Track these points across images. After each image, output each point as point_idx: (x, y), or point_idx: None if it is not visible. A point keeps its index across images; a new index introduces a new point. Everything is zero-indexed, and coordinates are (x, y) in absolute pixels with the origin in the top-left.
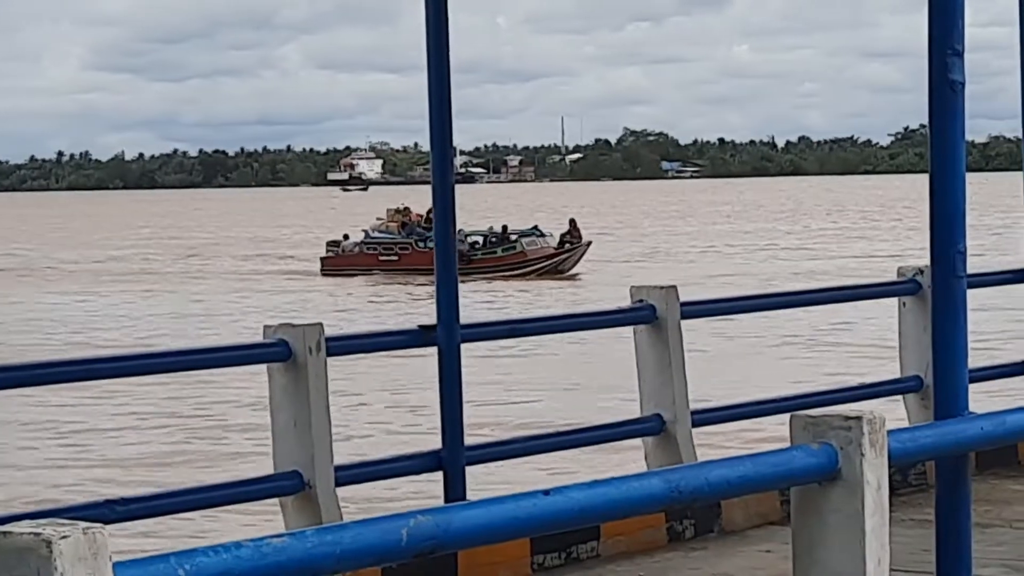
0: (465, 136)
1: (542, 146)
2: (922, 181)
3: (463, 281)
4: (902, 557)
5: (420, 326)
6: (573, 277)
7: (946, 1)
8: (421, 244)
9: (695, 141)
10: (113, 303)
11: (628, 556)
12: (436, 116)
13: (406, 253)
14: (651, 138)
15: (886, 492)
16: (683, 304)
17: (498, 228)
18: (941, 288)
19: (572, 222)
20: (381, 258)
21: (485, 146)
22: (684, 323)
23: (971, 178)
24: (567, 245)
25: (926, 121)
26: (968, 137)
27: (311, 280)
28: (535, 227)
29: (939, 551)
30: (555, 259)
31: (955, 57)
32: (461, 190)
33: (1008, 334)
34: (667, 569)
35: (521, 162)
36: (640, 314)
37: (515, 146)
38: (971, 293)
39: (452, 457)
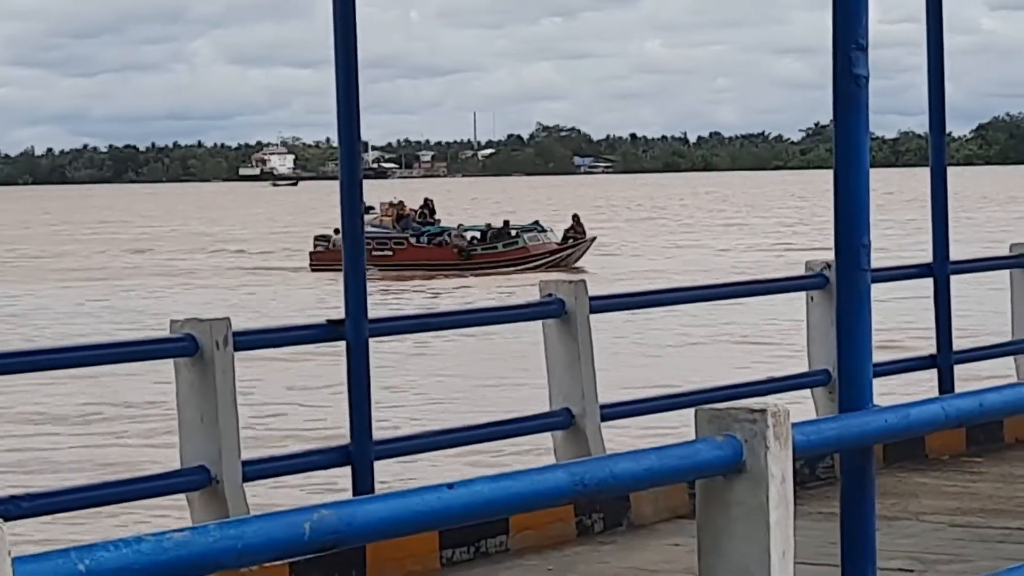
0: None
1: (455, 141)
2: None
3: (463, 276)
4: (809, 550)
5: (328, 320)
6: (578, 271)
7: None
8: (418, 239)
9: (607, 137)
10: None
11: (537, 550)
12: (344, 111)
13: (401, 248)
14: (564, 133)
15: (791, 484)
16: (592, 298)
17: (497, 223)
18: (845, 281)
19: (575, 217)
20: (375, 253)
21: (398, 141)
22: (596, 317)
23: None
24: (571, 240)
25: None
26: (878, 133)
27: (302, 276)
28: (536, 222)
29: (844, 544)
30: (558, 254)
31: (859, 51)
32: (378, 185)
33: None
34: (576, 563)
35: (433, 157)
36: (549, 308)
37: (428, 141)
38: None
39: (360, 451)
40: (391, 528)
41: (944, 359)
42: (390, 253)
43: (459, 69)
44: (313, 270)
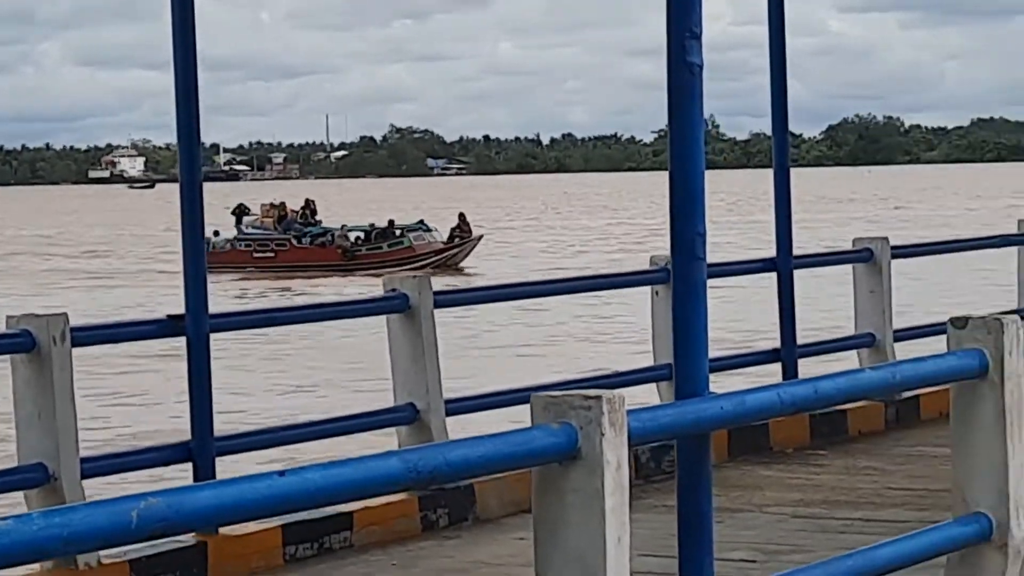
0: (229, 133)
1: (307, 143)
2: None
3: (347, 276)
4: (651, 542)
5: (168, 316)
6: (463, 271)
7: None
8: (300, 240)
9: (461, 138)
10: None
11: (381, 545)
12: (183, 112)
13: (283, 249)
14: (417, 135)
15: (626, 471)
16: (436, 293)
17: (381, 223)
18: (681, 269)
19: (461, 216)
20: (256, 255)
21: (250, 143)
22: (443, 312)
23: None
24: (457, 239)
25: None
26: (729, 134)
27: (179, 278)
28: (421, 221)
29: (681, 531)
30: (445, 254)
31: (693, 39)
32: (229, 187)
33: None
34: (420, 558)
35: (286, 159)
36: (393, 303)
37: (280, 143)
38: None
39: (201, 448)
40: (220, 515)
41: (788, 353)
42: (272, 254)
43: (311, 71)
44: None
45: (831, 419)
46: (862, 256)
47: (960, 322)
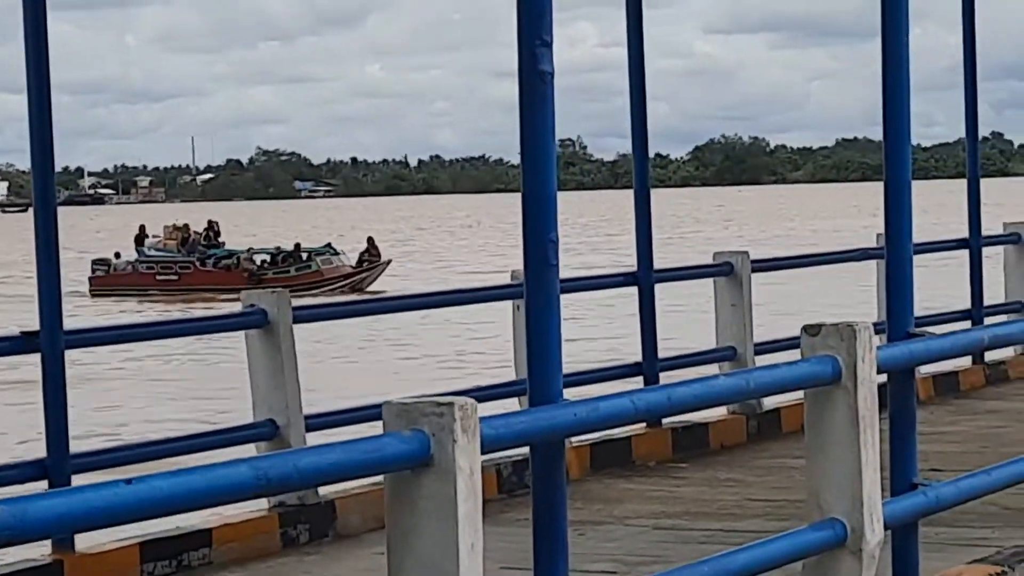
0: (93, 157)
1: (173, 167)
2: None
3: None
4: (512, 556)
5: (22, 332)
6: (373, 294)
7: None
8: (204, 262)
9: (328, 161)
10: None
11: (240, 562)
12: (37, 135)
13: (187, 272)
14: (284, 158)
15: (479, 478)
16: (295, 308)
17: (288, 246)
18: (534, 276)
19: (370, 240)
20: (159, 277)
21: (115, 167)
22: (318, 328)
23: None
24: (366, 263)
25: (557, 140)
26: (597, 155)
27: (80, 300)
28: (328, 244)
29: (536, 540)
30: (353, 278)
31: (544, 48)
32: (94, 211)
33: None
34: (279, 574)
35: (151, 183)
36: (251, 319)
37: (145, 167)
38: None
39: (56, 465)
40: (66, 524)
41: (649, 367)
42: (175, 277)
43: (177, 94)
44: (94, 295)
45: (693, 433)
46: (723, 270)
47: (813, 329)
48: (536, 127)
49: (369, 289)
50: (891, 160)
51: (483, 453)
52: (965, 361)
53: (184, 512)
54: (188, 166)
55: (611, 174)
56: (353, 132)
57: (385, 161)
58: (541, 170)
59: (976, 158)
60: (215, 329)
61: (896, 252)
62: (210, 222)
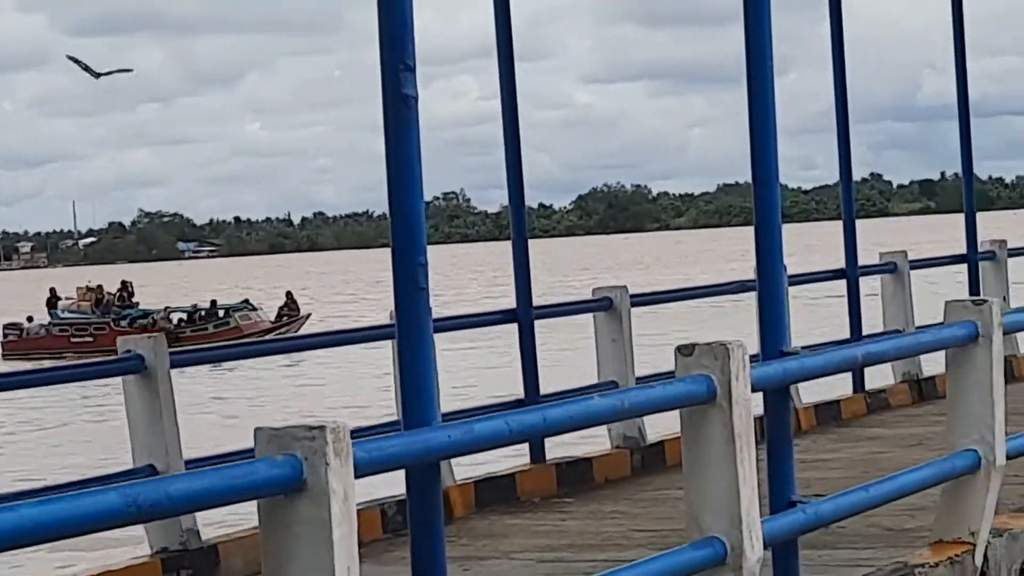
0: None
1: (55, 231)
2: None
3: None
4: None
5: None
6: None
7: (396, 17)
8: (119, 322)
9: (211, 221)
10: None
11: None
12: None
13: (103, 333)
14: (166, 219)
15: (353, 501)
16: (173, 353)
17: (205, 304)
18: (405, 301)
19: (289, 294)
20: (74, 339)
21: None
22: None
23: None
24: (285, 317)
25: (440, 193)
26: (480, 207)
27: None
28: (246, 300)
29: (414, 564)
30: (276, 331)
31: (407, 72)
32: None
33: None
34: None
35: (33, 248)
36: (128, 364)
37: (27, 232)
38: None
39: None
40: None
41: (531, 402)
42: (91, 339)
43: (57, 158)
44: (6, 358)
45: (577, 468)
46: (602, 304)
47: (687, 349)
48: (401, 151)
49: None
50: (759, 181)
51: (357, 477)
52: (847, 390)
53: (53, 540)
54: (70, 230)
55: (495, 225)
56: (235, 191)
57: (268, 219)
58: (408, 193)
59: (851, 192)
60: (92, 376)
61: (768, 275)
62: (123, 283)
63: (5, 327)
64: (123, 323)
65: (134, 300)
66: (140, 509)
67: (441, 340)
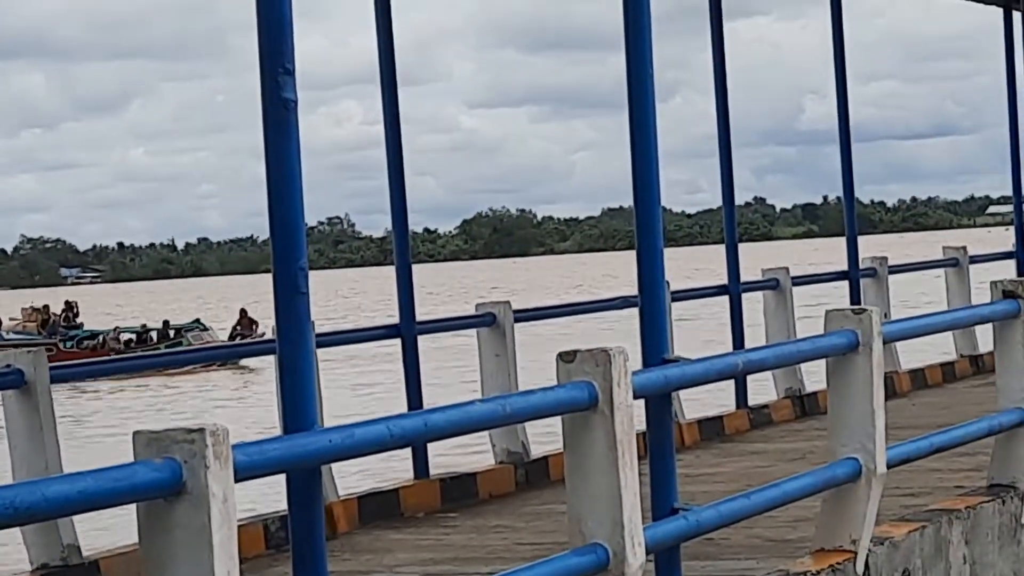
0: None
1: None
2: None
3: (122, 379)
4: None
5: None
6: (248, 369)
7: (275, 20)
8: (66, 344)
9: (94, 246)
10: None
11: None
12: None
13: (50, 354)
14: (48, 245)
15: (233, 505)
16: (52, 368)
17: (153, 324)
18: (285, 304)
19: (243, 312)
20: None
21: None
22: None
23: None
24: (238, 337)
25: (325, 218)
26: (365, 232)
27: None
28: (197, 320)
29: (296, 569)
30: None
31: (286, 76)
32: None
33: None
34: None
35: None
36: (6, 379)
37: None
38: None
39: None
40: None
41: None
42: None
43: None
44: None
45: (461, 483)
46: (485, 320)
47: (568, 356)
48: (281, 155)
49: (243, 363)
50: (640, 196)
51: (237, 480)
52: (730, 406)
53: None
54: None
55: (380, 250)
56: (118, 217)
57: (152, 245)
58: (288, 199)
59: (733, 214)
60: None
61: (649, 286)
62: (68, 303)
63: None
64: (70, 344)
65: (79, 321)
66: (17, 511)
67: (326, 357)
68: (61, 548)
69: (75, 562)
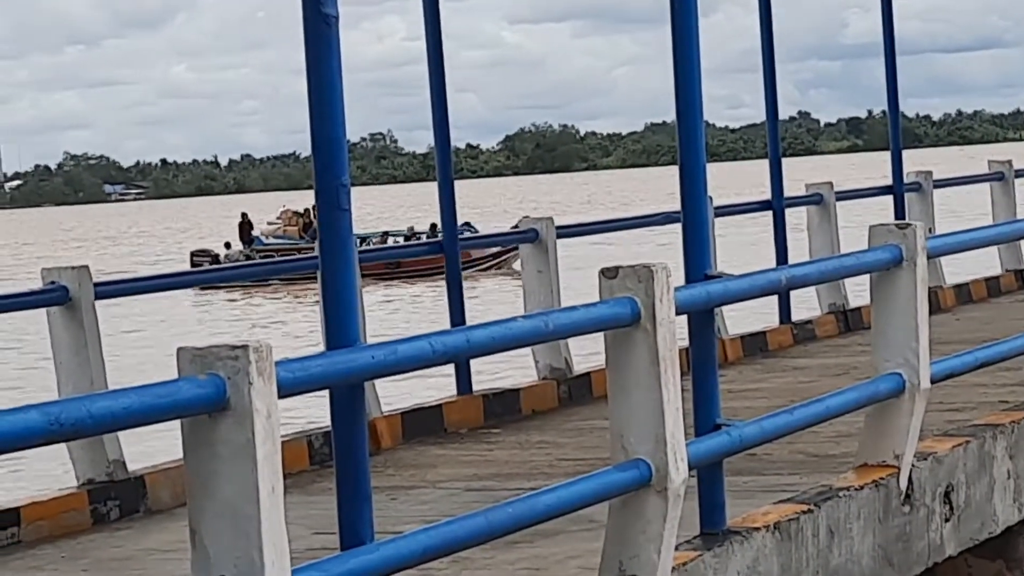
0: None
1: None
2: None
3: (394, 285)
4: (322, 522)
5: None
6: (515, 273)
7: None
8: None
9: (137, 163)
10: None
11: (51, 540)
12: None
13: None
14: (92, 162)
15: (277, 420)
16: (97, 285)
17: (421, 227)
18: (327, 220)
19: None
20: None
21: None
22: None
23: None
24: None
25: (367, 134)
26: (408, 148)
27: (198, 296)
28: (467, 223)
29: (340, 487)
30: (500, 258)
31: None
32: None
33: None
34: (89, 549)
35: None
36: (52, 296)
37: None
38: None
39: None
40: None
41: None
42: None
43: None
44: (203, 288)
45: (504, 399)
46: (528, 236)
47: (611, 272)
48: (323, 72)
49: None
50: (683, 115)
51: (281, 397)
52: (773, 321)
53: None
54: None
55: (423, 166)
56: (161, 133)
57: (195, 162)
58: (329, 115)
59: (776, 129)
60: (12, 308)
61: (691, 201)
62: (308, 210)
63: (194, 254)
64: None
65: None
66: (62, 426)
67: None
68: (107, 464)
69: (120, 477)
